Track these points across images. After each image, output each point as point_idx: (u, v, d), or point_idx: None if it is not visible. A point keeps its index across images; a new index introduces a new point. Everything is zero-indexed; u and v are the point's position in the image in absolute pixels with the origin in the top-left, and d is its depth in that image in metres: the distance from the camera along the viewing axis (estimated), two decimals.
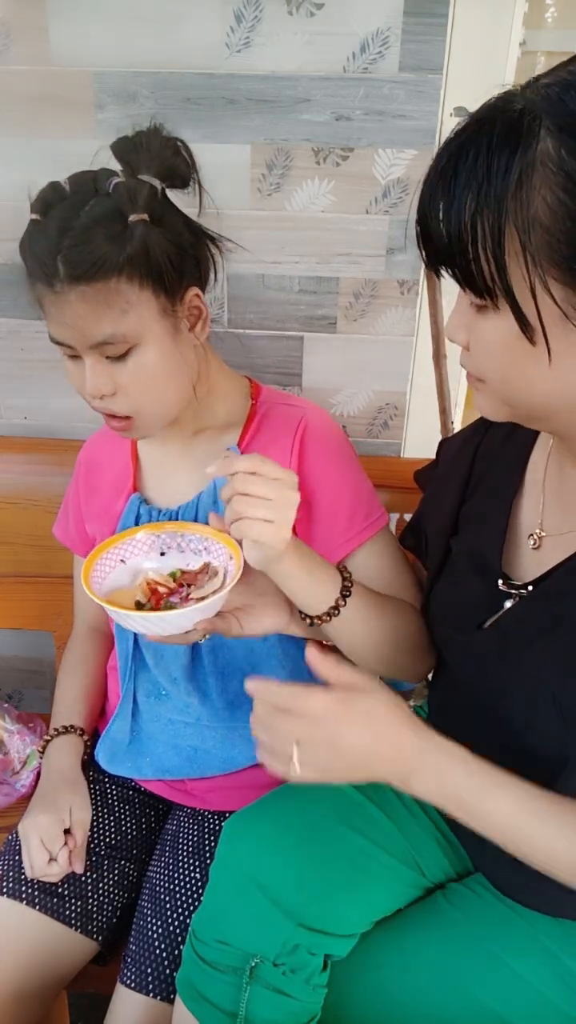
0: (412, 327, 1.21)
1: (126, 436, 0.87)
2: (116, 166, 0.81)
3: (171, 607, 0.79)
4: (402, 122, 1.08)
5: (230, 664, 0.95)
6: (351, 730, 0.66)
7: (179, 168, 0.82)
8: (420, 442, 1.30)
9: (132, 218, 0.76)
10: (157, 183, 0.79)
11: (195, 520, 0.91)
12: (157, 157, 0.80)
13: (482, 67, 1.04)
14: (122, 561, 0.87)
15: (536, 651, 0.69)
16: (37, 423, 1.36)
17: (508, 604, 0.75)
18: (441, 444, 0.97)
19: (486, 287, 0.56)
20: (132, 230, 0.76)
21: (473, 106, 0.57)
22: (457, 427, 1.29)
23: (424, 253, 0.61)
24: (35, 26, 1.07)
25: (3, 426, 1.36)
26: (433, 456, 0.98)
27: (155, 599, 0.81)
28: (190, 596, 0.81)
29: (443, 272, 0.60)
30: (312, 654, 0.69)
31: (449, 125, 1.08)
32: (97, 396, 0.81)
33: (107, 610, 0.76)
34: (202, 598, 0.77)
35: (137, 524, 0.93)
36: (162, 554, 0.89)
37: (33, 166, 1.15)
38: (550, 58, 1.22)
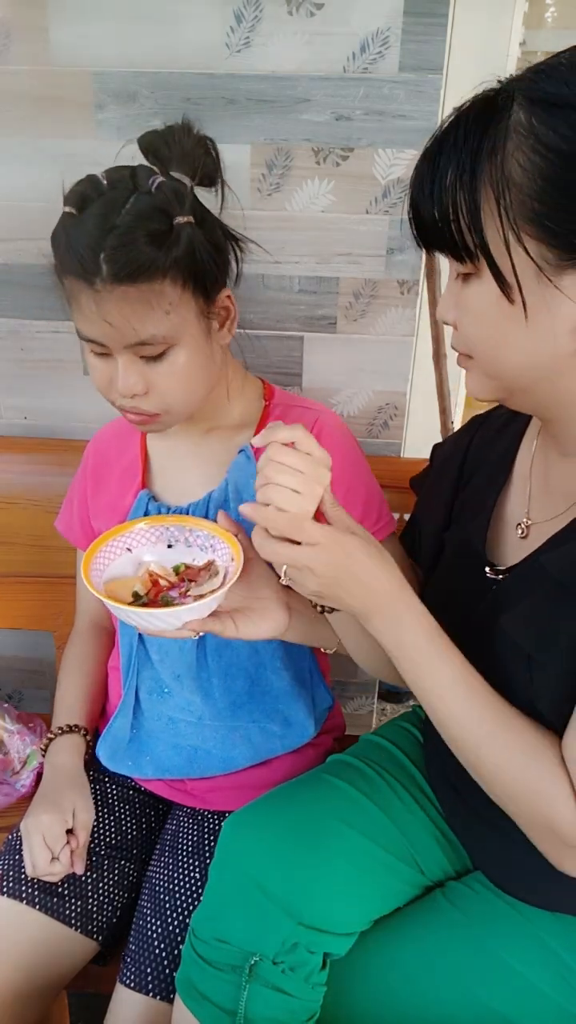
0: (412, 327, 1.21)
1: (146, 431, 0.87)
2: (122, 160, 0.81)
3: (168, 601, 0.79)
4: (402, 122, 1.08)
5: (234, 664, 0.95)
6: (333, 559, 0.68)
7: (208, 167, 0.82)
8: (420, 442, 1.30)
9: (178, 220, 0.76)
10: (188, 181, 0.80)
11: (205, 518, 0.91)
12: (190, 155, 0.80)
13: (482, 67, 1.04)
14: (128, 550, 0.87)
15: (511, 617, 0.71)
16: (37, 423, 1.36)
17: (494, 589, 0.76)
18: (434, 448, 0.99)
19: (466, 249, 0.61)
20: (178, 232, 0.76)
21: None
22: (457, 427, 1.29)
23: (416, 233, 0.66)
24: (35, 26, 1.07)
25: (3, 426, 1.36)
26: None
27: (155, 591, 0.81)
28: (189, 592, 0.81)
29: (436, 252, 0.66)
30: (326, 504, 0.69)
31: None
32: (129, 395, 0.81)
33: (101, 599, 0.76)
34: (199, 596, 0.77)
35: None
36: (169, 546, 0.89)
37: (33, 166, 1.15)
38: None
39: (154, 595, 0.81)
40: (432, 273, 1.13)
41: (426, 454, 1.01)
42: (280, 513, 0.66)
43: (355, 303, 1.20)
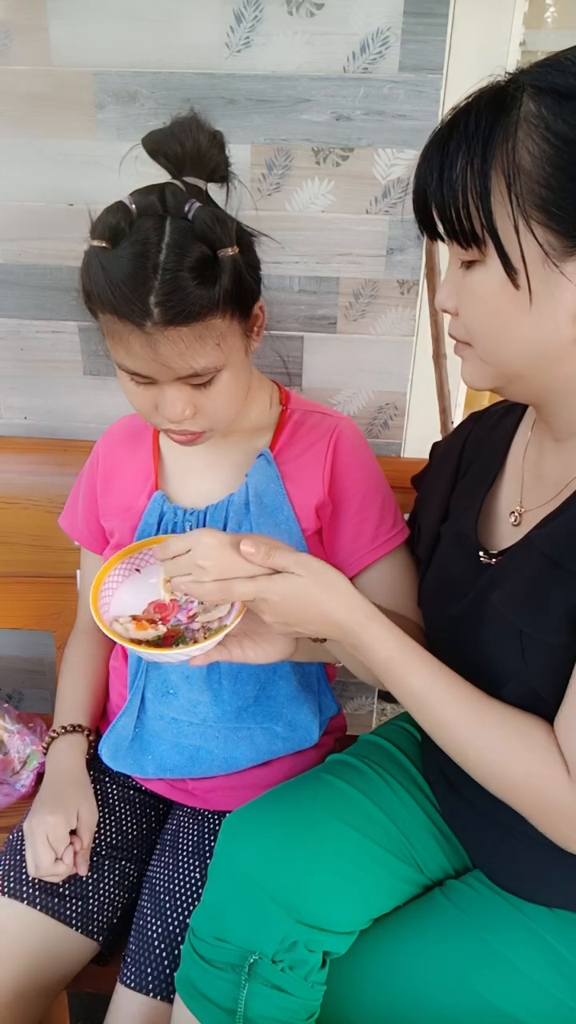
0: (412, 327, 1.21)
1: (191, 446, 0.87)
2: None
3: (177, 626, 0.82)
4: (402, 122, 1.08)
5: (244, 669, 0.95)
6: (273, 608, 0.74)
7: (221, 165, 0.80)
8: (420, 442, 1.30)
9: (222, 253, 0.74)
10: (203, 184, 0.78)
11: (224, 523, 0.92)
12: (205, 155, 0.78)
13: (482, 67, 1.03)
14: (137, 570, 0.88)
15: (503, 594, 0.72)
16: (37, 423, 1.36)
17: (488, 572, 0.77)
18: (433, 446, 1.00)
19: (474, 234, 0.62)
20: (224, 266, 0.74)
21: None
22: None
23: (420, 219, 0.67)
24: (35, 26, 1.07)
25: (3, 426, 1.36)
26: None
27: (163, 614, 0.82)
28: (195, 615, 0.82)
29: (439, 240, 0.67)
30: (246, 549, 0.73)
31: None
32: (178, 420, 0.81)
33: (106, 634, 0.78)
34: (206, 623, 0.80)
35: (160, 521, 0.93)
36: None
37: (33, 166, 1.15)
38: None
39: (163, 618, 0.82)
40: (432, 272, 1.13)
41: (426, 454, 1.01)
42: (205, 587, 0.73)
43: (355, 303, 1.20)
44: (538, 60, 0.62)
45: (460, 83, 1.05)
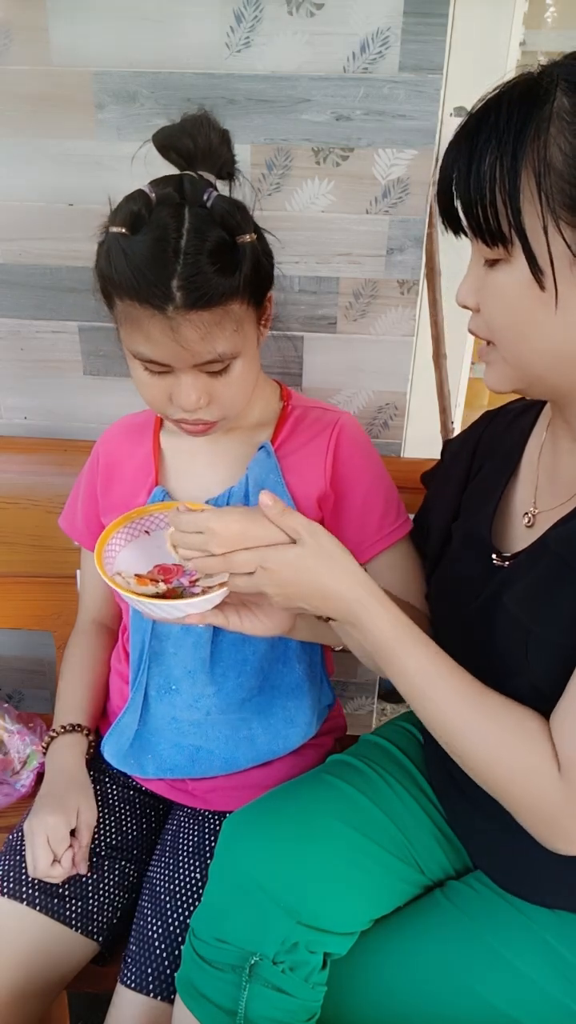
0: (412, 327, 1.21)
1: (201, 436, 0.88)
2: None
3: (179, 589, 0.80)
4: (402, 122, 1.08)
5: (248, 659, 0.96)
6: (277, 578, 0.72)
7: (228, 162, 0.81)
8: (420, 442, 1.30)
9: (240, 239, 0.75)
10: (213, 179, 0.79)
11: None
12: (216, 153, 0.79)
13: (482, 67, 1.04)
14: (147, 532, 0.88)
15: (515, 594, 0.72)
16: (37, 423, 1.36)
17: (500, 574, 0.77)
18: (445, 444, 1.00)
19: (500, 233, 0.61)
20: (243, 251, 0.75)
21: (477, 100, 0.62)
22: (457, 427, 1.29)
23: (443, 214, 0.66)
24: (35, 26, 1.07)
25: (3, 426, 1.36)
26: (434, 455, 1.02)
27: (166, 576, 0.82)
28: (197, 580, 0.81)
29: (461, 234, 0.66)
30: (264, 499, 0.72)
31: (449, 125, 1.08)
32: (193, 409, 0.81)
33: (109, 584, 0.77)
34: (208, 588, 0.78)
35: None
36: None
37: (33, 166, 1.15)
38: (550, 58, 1.23)
39: (166, 579, 0.82)
40: (432, 273, 1.13)
41: (426, 454, 1.02)
42: (206, 560, 0.72)
43: (355, 303, 1.20)
44: (572, 52, 0.60)
45: (460, 83, 1.05)
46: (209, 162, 0.79)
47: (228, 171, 0.83)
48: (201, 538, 0.72)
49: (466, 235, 0.66)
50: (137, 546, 0.86)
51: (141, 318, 0.76)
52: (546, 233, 0.58)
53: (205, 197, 0.76)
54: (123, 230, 0.75)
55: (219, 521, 0.71)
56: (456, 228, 0.66)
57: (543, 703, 0.69)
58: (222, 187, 0.83)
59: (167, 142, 0.79)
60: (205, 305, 0.74)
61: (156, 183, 0.78)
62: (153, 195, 0.76)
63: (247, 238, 0.76)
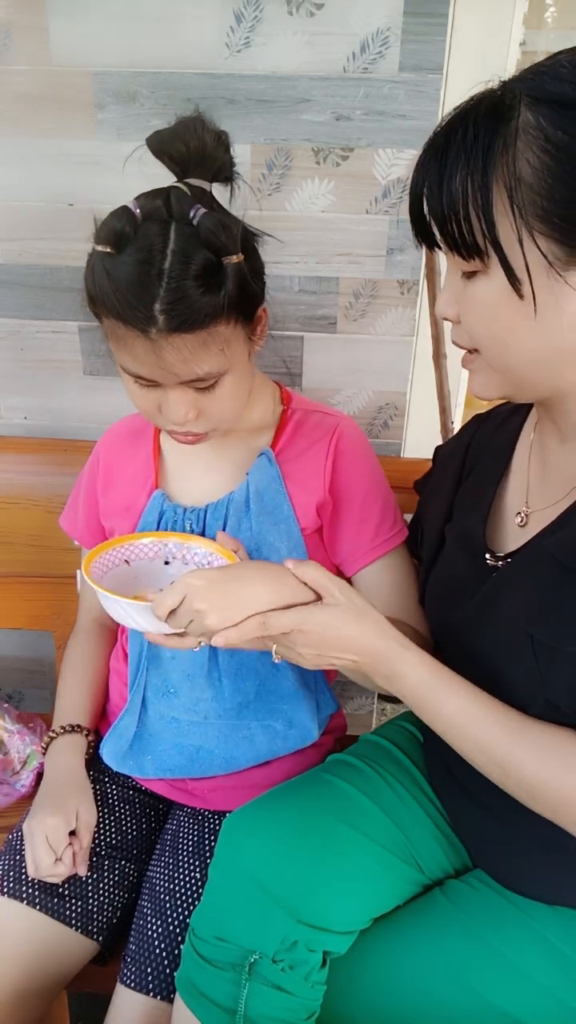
0: (412, 327, 1.21)
1: (194, 445, 0.88)
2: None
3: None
4: (402, 122, 1.08)
5: (245, 664, 0.95)
6: (310, 640, 0.73)
7: (226, 165, 0.80)
8: (420, 442, 1.30)
9: (226, 260, 0.74)
10: (208, 186, 0.78)
11: (224, 521, 0.92)
12: (210, 156, 0.78)
13: (482, 67, 1.04)
14: (126, 562, 0.87)
15: (514, 601, 0.72)
16: (37, 423, 1.36)
17: (495, 576, 0.77)
18: (436, 450, 1.01)
19: (476, 247, 0.62)
20: (227, 272, 0.74)
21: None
22: (457, 427, 1.29)
23: (417, 229, 0.67)
24: (35, 26, 1.07)
25: (3, 426, 1.36)
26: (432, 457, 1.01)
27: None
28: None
29: (436, 249, 0.67)
30: (291, 562, 0.74)
31: None
32: (181, 423, 0.81)
33: (98, 594, 0.76)
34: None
35: (160, 519, 0.93)
36: (166, 563, 0.89)
37: (33, 166, 1.15)
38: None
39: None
40: (432, 273, 1.13)
41: (426, 454, 1.02)
42: (210, 628, 0.71)
43: (355, 303, 1.20)
44: (532, 66, 0.61)
45: (460, 83, 1.05)
46: (203, 167, 0.78)
47: (225, 175, 0.81)
48: (190, 613, 0.71)
49: (440, 248, 0.67)
50: (116, 576, 0.86)
51: (126, 337, 0.75)
52: (521, 244, 0.60)
53: (192, 214, 0.74)
54: (108, 249, 0.74)
55: (200, 595, 0.71)
56: (430, 243, 0.67)
57: (565, 719, 0.69)
58: (221, 191, 0.82)
59: (160, 147, 0.78)
60: (188, 329, 0.73)
61: (143, 198, 0.76)
62: (138, 211, 0.75)
63: (233, 259, 0.75)
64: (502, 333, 0.65)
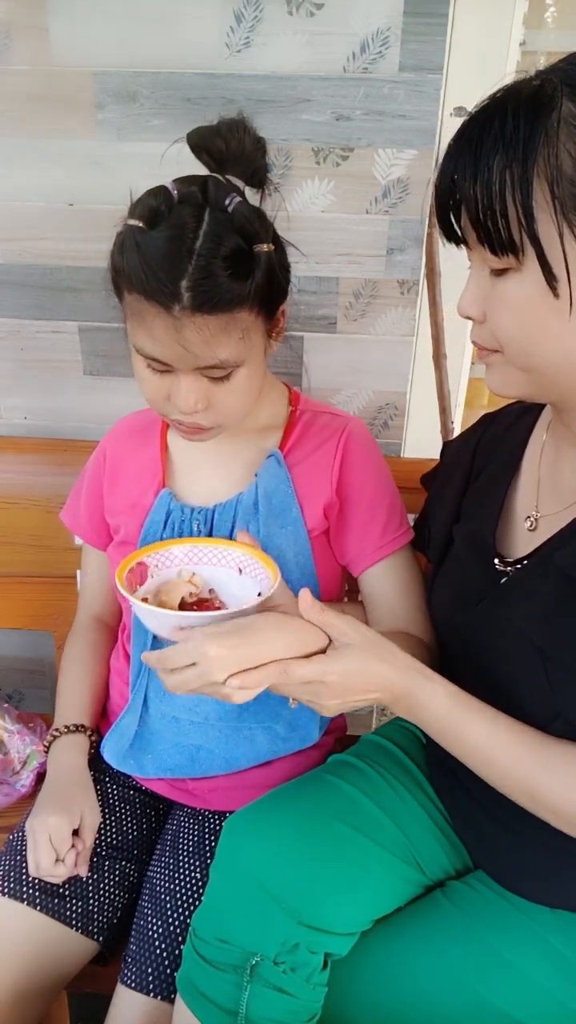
0: (412, 327, 1.21)
1: (197, 440, 0.88)
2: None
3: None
4: (402, 122, 1.08)
5: None
6: (331, 689, 0.70)
7: (260, 169, 0.81)
8: (420, 442, 1.30)
9: (257, 248, 0.75)
10: (242, 184, 0.79)
11: (232, 523, 0.92)
12: (248, 158, 0.79)
13: (482, 67, 1.04)
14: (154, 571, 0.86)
15: (523, 611, 0.71)
16: (37, 423, 1.36)
17: (503, 582, 0.77)
18: (444, 446, 1.00)
19: (511, 242, 0.59)
20: (258, 260, 0.75)
21: (473, 106, 0.61)
22: (457, 427, 1.29)
23: (443, 224, 0.65)
24: (35, 26, 1.07)
25: (3, 426, 1.36)
26: (434, 455, 1.01)
27: (199, 608, 0.82)
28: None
29: (462, 244, 0.65)
30: (304, 600, 0.70)
31: (449, 125, 1.08)
32: (190, 412, 0.81)
33: (132, 603, 0.74)
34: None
35: (167, 519, 0.93)
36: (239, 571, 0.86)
37: (33, 166, 1.15)
38: (550, 58, 1.22)
39: (198, 607, 0.81)
40: (432, 273, 1.13)
41: (426, 454, 1.02)
42: (225, 690, 0.67)
43: (355, 303, 1.20)
44: (569, 55, 0.59)
45: (460, 83, 1.05)
46: (240, 166, 0.79)
47: (259, 178, 0.82)
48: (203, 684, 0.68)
49: (465, 245, 0.65)
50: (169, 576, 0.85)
51: (147, 314, 0.75)
52: (562, 240, 0.58)
53: (227, 201, 0.76)
54: (140, 224, 0.75)
55: (221, 665, 0.66)
56: (456, 238, 0.65)
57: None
58: (252, 195, 0.83)
59: (201, 142, 0.78)
60: (211, 309, 0.74)
61: (180, 181, 0.78)
62: (175, 192, 0.76)
63: (264, 247, 0.76)
64: (533, 332, 0.63)
